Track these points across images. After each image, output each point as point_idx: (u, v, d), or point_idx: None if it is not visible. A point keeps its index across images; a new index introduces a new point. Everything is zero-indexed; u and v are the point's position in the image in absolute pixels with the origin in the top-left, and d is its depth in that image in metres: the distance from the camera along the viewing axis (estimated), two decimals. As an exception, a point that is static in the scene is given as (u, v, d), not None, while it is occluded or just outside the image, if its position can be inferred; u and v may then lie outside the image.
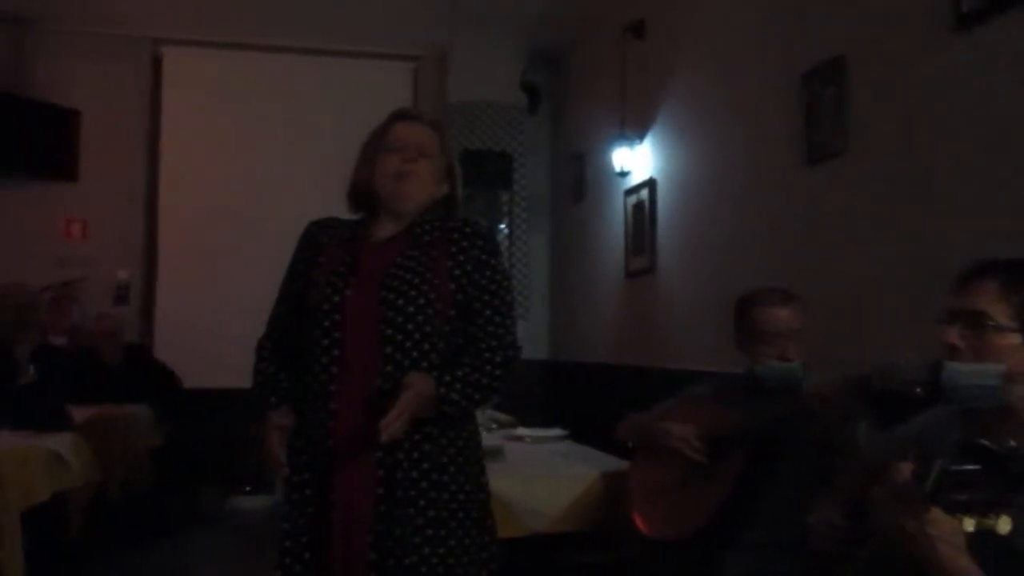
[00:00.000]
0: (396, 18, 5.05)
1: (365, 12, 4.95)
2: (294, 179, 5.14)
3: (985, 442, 0.98)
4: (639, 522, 2.19)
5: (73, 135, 5.16)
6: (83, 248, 5.19)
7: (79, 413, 3.46)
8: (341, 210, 1.85)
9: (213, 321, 5.02)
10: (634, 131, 4.16)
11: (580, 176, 5.03)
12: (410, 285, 1.66)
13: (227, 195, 5.27)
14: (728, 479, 2.05)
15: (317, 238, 1.80)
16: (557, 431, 3.16)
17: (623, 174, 4.22)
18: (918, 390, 1.59)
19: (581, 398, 4.78)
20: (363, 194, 1.79)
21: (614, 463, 2.51)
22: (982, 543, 1.05)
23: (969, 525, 0.98)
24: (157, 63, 5.38)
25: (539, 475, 2.47)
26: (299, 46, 5.41)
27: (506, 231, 5.27)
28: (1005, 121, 1.96)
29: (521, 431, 3.13)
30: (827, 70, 2.62)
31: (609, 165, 4.29)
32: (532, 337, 5.46)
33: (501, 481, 2.25)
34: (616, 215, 4.41)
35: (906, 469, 1.07)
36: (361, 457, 1.61)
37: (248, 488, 5.08)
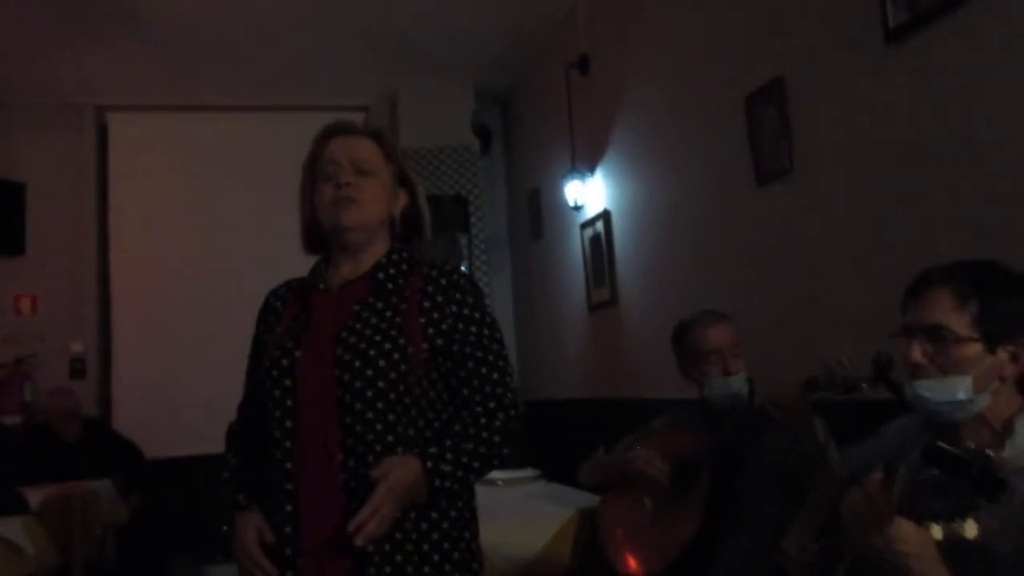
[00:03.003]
0: (342, 69, 5.06)
1: (311, 65, 4.96)
2: (250, 239, 5.06)
3: (943, 445, 0.96)
4: (616, 563, 2.15)
5: (18, 209, 5.04)
6: (34, 323, 5.05)
7: (37, 494, 3.33)
8: (303, 267, 1.64)
9: (174, 388, 4.91)
10: (585, 165, 4.19)
11: (536, 213, 5.04)
12: (370, 343, 1.41)
13: (181, 259, 5.17)
14: (698, 504, 2.03)
15: (273, 305, 1.59)
16: (529, 472, 3.11)
17: (577, 208, 4.23)
18: (864, 385, 1.68)
19: (554, 436, 4.72)
20: (313, 233, 1.56)
21: (587, 500, 2.46)
22: (955, 550, 1.03)
23: (938, 533, 0.95)
24: (102, 130, 5.31)
25: (511, 519, 2.41)
26: (246, 104, 5.38)
27: (467, 273, 5.25)
28: (937, 130, 2.00)
29: (493, 474, 3.07)
30: (768, 91, 2.66)
31: (563, 200, 4.30)
32: (501, 378, 5.40)
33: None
34: (574, 249, 4.41)
35: (875, 482, 1.04)
36: (331, 561, 1.36)
37: (220, 557, 4.92)
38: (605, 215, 3.99)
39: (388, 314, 1.45)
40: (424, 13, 4.36)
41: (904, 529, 1.01)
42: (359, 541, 1.29)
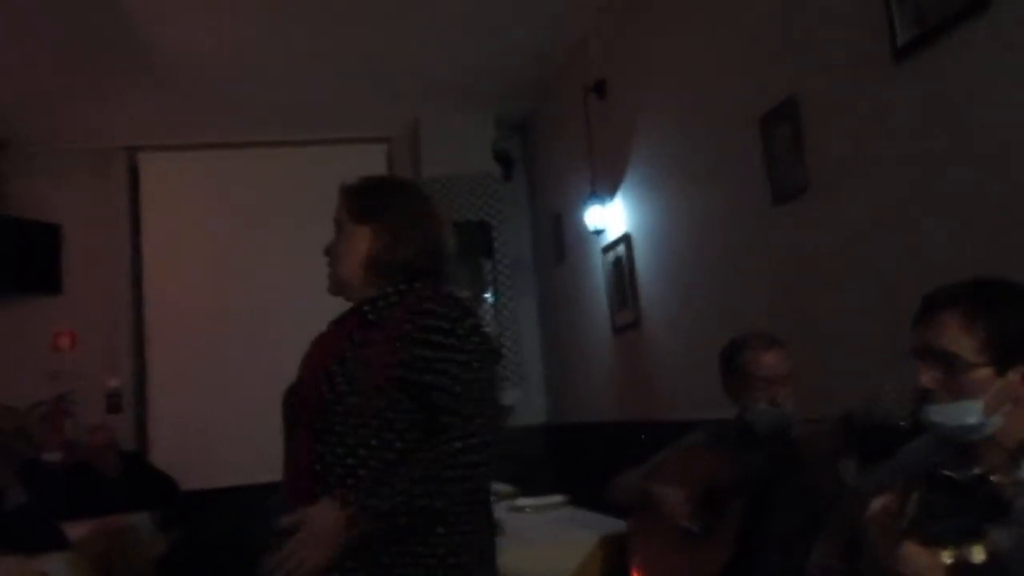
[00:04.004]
0: (364, 101, 5.16)
1: (333, 98, 5.06)
2: (280, 273, 5.15)
3: (946, 472, 0.97)
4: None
5: (55, 249, 5.20)
6: (73, 360, 5.17)
7: (76, 529, 3.39)
8: (335, 301, 1.72)
9: (209, 421, 4.99)
10: (605, 189, 4.22)
11: (559, 237, 5.08)
12: (330, 380, 1.47)
13: (213, 294, 5.28)
14: (728, 534, 2.01)
15: None
16: (557, 498, 3.12)
17: (598, 232, 4.26)
18: (903, 423, 1.60)
19: (582, 460, 4.73)
20: None
21: (613, 526, 2.46)
22: (970, 571, 1.04)
23: (947, 557, 0.96)
24: (133, 170, 5.46)
25: (538, 546, 2.43)
26: (272, 139, 5.50)
27: (491, 299, 5.29)
28: (947, 145, 2.00)
29: (521, 501, 3.08)
30: (782, 111, 2.68)
31: (584, 224, 4.33)
32: (528, 402, 5.43)
33: (502, 558, 2.21)
34: (596, 273, 4.43)
35: (881, 502, 1.05)
36: None
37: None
38: (626, 238, 4.01)
39: (362, 348, 1.49)
40: (443, 44, 4.45)
41: (912, 552, 1.02)
42: None
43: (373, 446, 1.43)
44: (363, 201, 1.62)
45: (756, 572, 1.98)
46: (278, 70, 4.59)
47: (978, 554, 0.93)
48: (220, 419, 4.96)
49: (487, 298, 5.27)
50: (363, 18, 4.11)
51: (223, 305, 5.24)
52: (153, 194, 5.43)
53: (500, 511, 2.95)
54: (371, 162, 5.45)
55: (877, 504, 1.08)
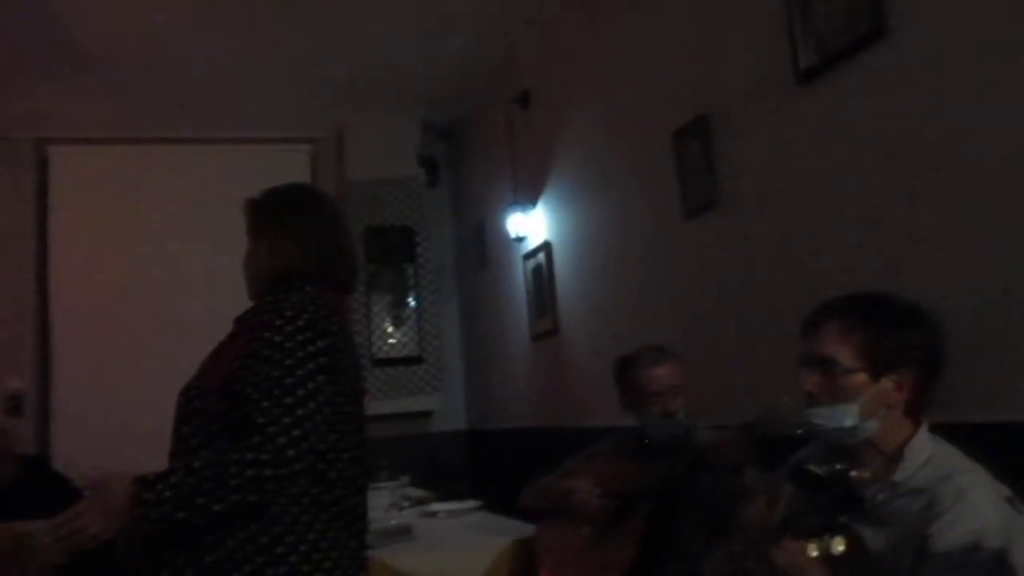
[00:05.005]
0: (289, 102, 5.09)
1: (257, 98, 4.98)
2: (195, 274, 5.03)
3: (808, 467, 1.03)
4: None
5: (-44, 242, 4.96)
6: (-29, 360, 4.94)
7: (-33, 537, 3.23)
8: (239, 305, 1.71)
9: (117, 424, 4.81)
10: (527, 197, 4.27)
11: (481, 244, 5.11)
12: (187, 386, 1.57)
13: (124, 294, 5.10)
14: (632, 536, 2.08)
15: None
16: (470, 503, 3.13)
17: (519, 239, 4.31)
18: (799, 432, 1.68)
19: (501, 466, 4.75)
20: None
21: (523, 530, 2.50)
22: (851, 566, 1.10)
23: (814, 550, 1.02)
24: (42, 163, 5.25)
25: (447, 550, 2.45)
26: (193, 136, 5.37)
27: (414, 305, 5.27)
28: (847, 164, 2.11)
29: (435, 506, 3.09)
30: (693, 128, 2.76)
31: (506, 232, 4.38)
32: (449, 409, 5.44)
33: (409, 560, 2.23)
34: (517, 280, 4.48)
35: (759, 503, 1.11)
36: None
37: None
38: (546, 246, 4.07)
39: (218, 355, 1.58)
40: (371, 48, 4.43)
41: (786, 545, 1.08)
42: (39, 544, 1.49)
43: (216, 448, 1.45)
44: (256, 215, 1.71)
45: (659, 575, 2.04)
46: (200, 66, 4.49)
47: (837, 545, 0.99)
48: (128, 422, 4.78)
49: (410, 303, 5.26)
50: (290, 18, 4.06)
51: (132, 305, 5.07)
52: (63, 188, 5.21)
53: (412, 516, 2.96)
54: (294, 164, 5.37)
55: (748, 506, 1.13)
